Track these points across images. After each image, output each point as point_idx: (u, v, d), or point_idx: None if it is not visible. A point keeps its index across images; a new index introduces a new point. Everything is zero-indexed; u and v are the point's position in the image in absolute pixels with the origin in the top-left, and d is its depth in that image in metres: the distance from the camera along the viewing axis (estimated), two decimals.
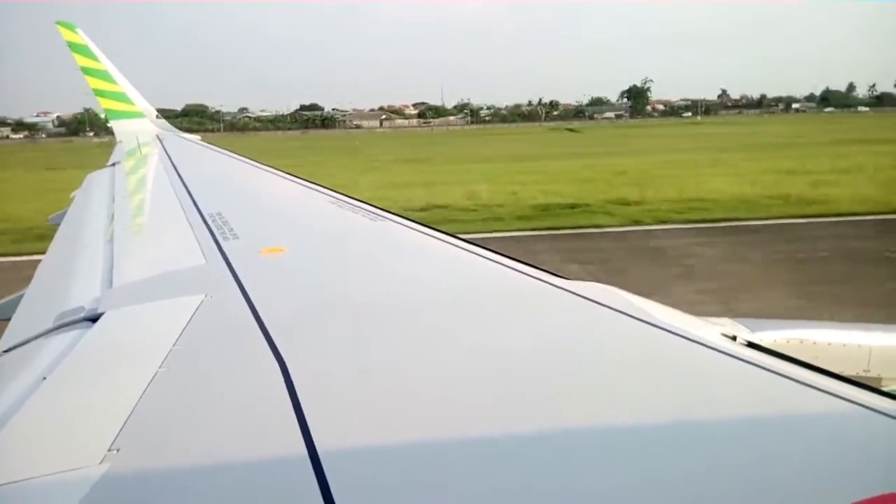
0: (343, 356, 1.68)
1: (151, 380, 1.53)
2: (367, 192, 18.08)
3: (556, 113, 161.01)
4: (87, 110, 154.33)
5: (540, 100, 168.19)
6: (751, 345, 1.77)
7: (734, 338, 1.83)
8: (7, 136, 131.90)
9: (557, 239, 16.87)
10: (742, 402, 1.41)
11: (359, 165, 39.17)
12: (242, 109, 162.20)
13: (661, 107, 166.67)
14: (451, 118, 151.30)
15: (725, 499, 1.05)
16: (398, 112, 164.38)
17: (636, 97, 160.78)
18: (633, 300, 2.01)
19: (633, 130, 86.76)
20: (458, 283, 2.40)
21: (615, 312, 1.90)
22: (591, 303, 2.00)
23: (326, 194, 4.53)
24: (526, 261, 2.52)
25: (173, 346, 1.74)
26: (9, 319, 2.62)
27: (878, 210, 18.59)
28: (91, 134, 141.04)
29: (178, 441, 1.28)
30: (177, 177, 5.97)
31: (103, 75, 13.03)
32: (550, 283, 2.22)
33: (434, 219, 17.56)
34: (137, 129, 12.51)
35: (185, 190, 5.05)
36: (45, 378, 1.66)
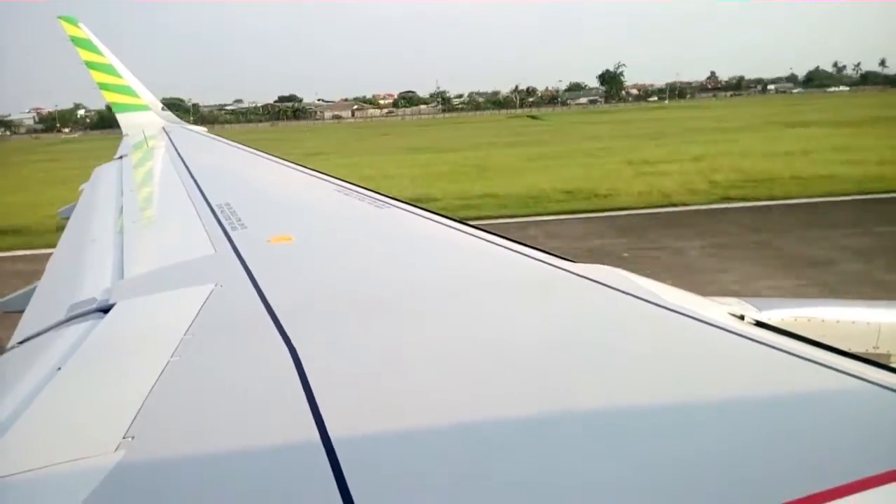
0: (353, 343, 1.69)
1: (164, 369, 1.55)
2: None
3: (531, 100, 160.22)
4: (77, 106, 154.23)
5: (517, 87, 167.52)
6: (759, 324, 1.78)
7: (742, 317, 1.84)
8: None
9: None
10: (752, 380, 1.41)
11: None
12: (227, 104, 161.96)
13: (634, 91, 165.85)
14: (423, 107, 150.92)
15: (737, 476, 1.05)
16: (371, 102, 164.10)
17: (609, 82, 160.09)
18: (639, 281, 2.01)
19: (592, 117, 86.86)
20: (465, 269, 2.41)
21: (622, 294, 1.91)
22: (598, 285, 2.01)
23: (333, 183, 4.54)
24: (532, 245, 2.52)
25: (184, 335, 1.76)
26: (23, 311, 2.65)
27: (658, 203, 18.36)
28: (67, 130, 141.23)
29: (192, 429, 1.30)
30: (184, 168, 6.01)
31: (107, 69, 13.05)
32: (557, 267, 2.23)
33: None
34: (143, 121, 12.58)
35: (192, 181, 5.07)
36: (59, 368, 1.68)
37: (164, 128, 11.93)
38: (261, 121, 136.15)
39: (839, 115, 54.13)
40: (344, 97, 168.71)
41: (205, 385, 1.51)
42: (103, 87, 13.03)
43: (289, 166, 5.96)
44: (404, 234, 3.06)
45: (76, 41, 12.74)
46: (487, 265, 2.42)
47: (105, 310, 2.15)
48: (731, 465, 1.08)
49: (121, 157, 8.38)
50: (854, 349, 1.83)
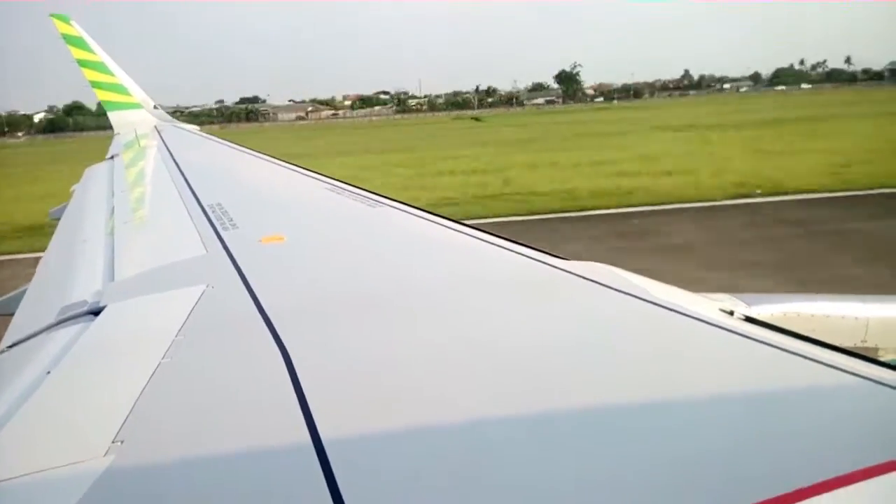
0: (345, 343, 1.68)
1: (155, 371, 1.53)
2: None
3: (490, 100, 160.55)
4: (50, 108, 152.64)
5: (477, 87, 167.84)
6: (749, 319, 1.80)
7: (731, 313, 1.85)
8: None
9: None
10: (741, 376, 1.41)
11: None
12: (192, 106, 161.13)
13: (591, 91, 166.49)
14: (377, 108, 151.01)
15: (727, 472, 1.06)
16: (327, 103, 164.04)
17: (565, 82, 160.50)
18: (629, 278, 2.02)
19: (528, 118, 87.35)
20: (457, 268, 2.41)
21: (612, 291, 1.91)
22: (588, 282, 2.02)
23: (326, 182, 4.53)
24: (524, 242, 2.53)
25: (175, 337, 1.75)
26: (12, 315, 2.63)
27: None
28: (20, 135, 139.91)
29: (182, 432, 1.29)
30: (175, 168, 5.97)
31: (100, 67, 13.03)
32: (550, 265, 2.23)
33: None
34: (135, 119, 12.56)
35: (184, 181, 5.05)
36: (49, 372, 1.67)
37: (155, 126, 11.86)
38: (213, 122, 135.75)
39: (758, 115, 55.30)
40: (313, 97, 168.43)
41: (196, 387, 1.50)
42: (95, 84, 13.02)
43: (281, 165, 5.96)
44: (397, 234, 3.06)
45: (68, 39, 12.73)
46: (480, 263, 2.43)
47: (96, 312, 2.14)
48: (721, 461, 1.09)
49: (112, 157, 8.32)
50: (843, 344, 1.83)
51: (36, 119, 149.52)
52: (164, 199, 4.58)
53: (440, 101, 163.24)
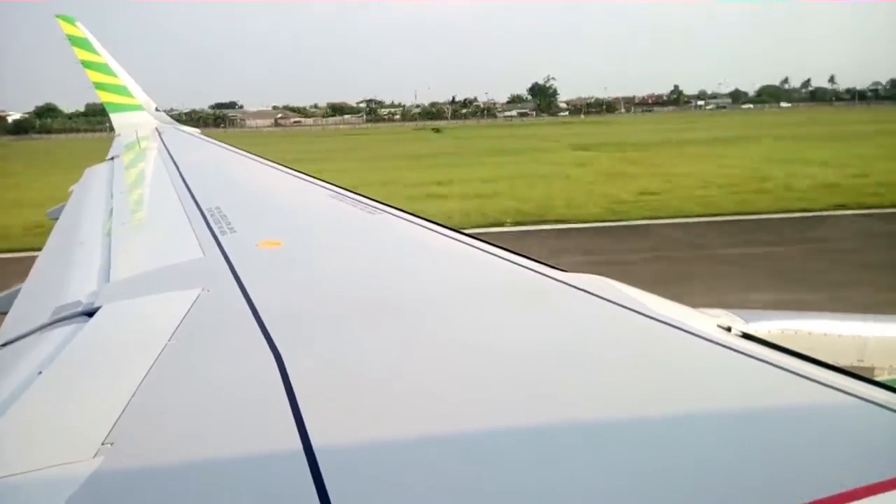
0: (339, 349, 1.68)
1: (147, 374, 1.53)
2: None
3: (465, 111, 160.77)
4: (37, 108, 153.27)
5: (453, 98, 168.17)
6: (746, 335, 1.78)
7: (729, 329, 1.84)
8: None
9: None
10: (737, 392, 1.41)
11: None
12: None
13: (563, 104, 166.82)
14: (347, 116, 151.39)
15: (720, 489, 1.05)
16: (299, 111, 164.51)
17: (538, 95, 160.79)
18: (627, 291, 2.01)
19: (489, 131, 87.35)
20: (454, 276, 2.41)
21: (610, 303, 1.90)
22: (585, 294, 2.01)
23: (325, 188, 4.53)
24: (522, 253, 2.53)
25: (170, 340, 1.74)
26: (6, 313, 2.62)
27: None
28: None
29: (173, 435, 1.28)
30: (175, 171, 5.97)
31: (103, 68, 13.14)
32: (546, 275, 2.23)
33: None
34: (136, 121, 12.63)
35: (183, 184, 5.06)
36: (41, 372, 1.66)
37: (156, 128, 11.92)
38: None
39: (686, 135, 56.35)
40: (286, 104, 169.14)
41: (188, 391, 1.50)
42: (98, 86, 13.11)
43: (281, 170, 5.97)
44: (394, 241, 3.06)
45: (73, 40, 12.79)
46: (476, 272, 2.43)
47: (90, 313, 2.14)
48: (715, 478, 1.08)
49: (112, 158, 8.36)
50: (840, 362, 1.85)
51: (10, 120, 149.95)
52: (162, 201, 4.56)
53: (417, 111, 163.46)
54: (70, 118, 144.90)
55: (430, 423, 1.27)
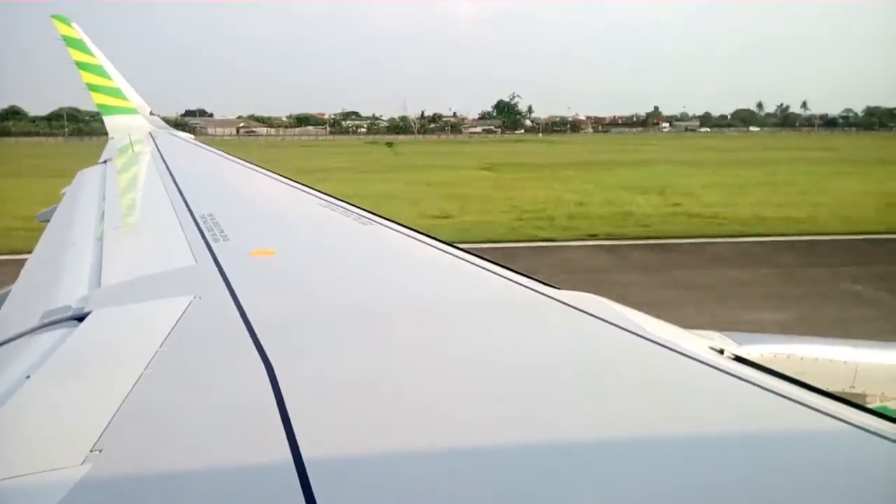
0: (331, 360, 1.66)
1: (137, 381, 1.51)
2: None
3: (432, 126, 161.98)
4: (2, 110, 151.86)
5: (422, 112, 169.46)
6: (738, 359, 1.78)
7: (721, 351, 1.84)
8: None
9: None
10: (727, 416, 1.40)
11: None
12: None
13: (528, 122, 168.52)
14: (310, 128, 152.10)
15: None
16: (264, 121, 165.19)
17: (503, 112, 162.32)
18: (621, 310, 2.00)
19: (437, 147, 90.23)
20: (447, 290, 2.40)
21: (602, 322, 1.90)
22: (578, 312, 2.00)
23: (319, 197, 4.50)
24: (515, 269, 2.51)
25: (160, 347, 1.72)
26: None
27: None
28: None
29: (162, 443, 1.26)
30: (168, 176, 5.91)
31: (98, 70, 13.04)
32: (539, 292, 2.22)
33: None
34: (130, 125, 12.44)
35: (176, 190, 4.99)
36: (28, 376, 1.63)
37: (150, 133, 11.79)
38: None
39: (603, 156, 58.64)
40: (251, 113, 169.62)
41: (178, 399, 1.48)
42: (92, 87, 13.02)
43: (276, 178, 5.92)
44: (388, 252, 3.05)
45: (68, 41, 12.74)
46: (471, 287, 2.41)
47: (80, 318, 2.10)
48: (704, 502, 1.08)
49: (105, 161, 8.25)
50: (831, 388, 1.82)
51: None
52: (155, 206, 4.53)
53: (385, 124, 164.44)
54: (33, 122, 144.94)
55: (421, 436, 1.27)
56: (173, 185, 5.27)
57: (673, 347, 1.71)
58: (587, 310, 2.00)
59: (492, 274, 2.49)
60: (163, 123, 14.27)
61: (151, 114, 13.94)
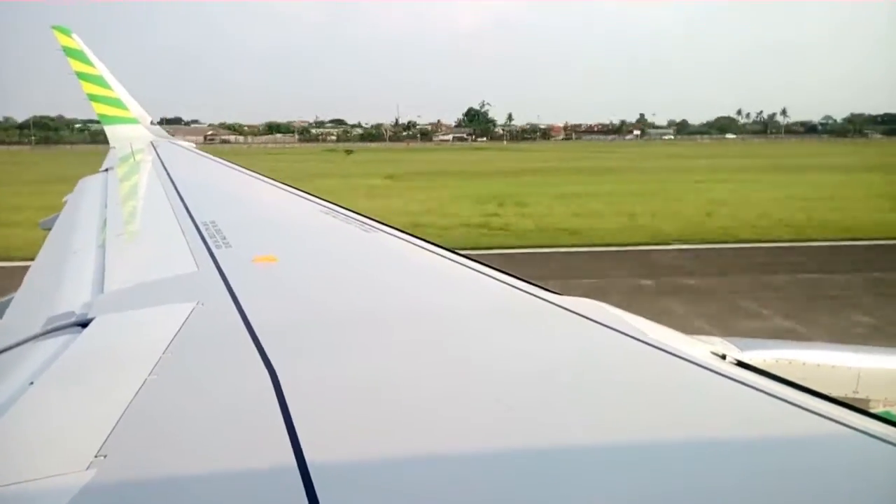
0: (333, 366, 1.67)
1: (141, 387, 1.51)
2: None
3: (406, 133, 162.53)
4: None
5: (396, 119, 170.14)
6: (740, 364, 1.79)
7: (724, 356, 1.85)
8: None
9: None
10: (730, 421, 1.40)
11: None
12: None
13: (499, 130, 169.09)
14: (278, 136, 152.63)
15: None
16: (234, 128, 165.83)
17: (473, 120, 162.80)
18: (622, 316, 2.01)
19: (384, 155, 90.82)
20: (448, 296, 2.40)
21: (604, 328, 1.90)
22: (580, 318, 2.00)
23: (320, 204, 4.54)
24: (517, 275, 2.54)
25: (163, 353, 1.73)
26: None
27: None
28: None
29: (166, 448, 1.27)
30: (170, 184, 5.95)
31: (98, 80, 13.11)
32: (541, 298, 2.23)
33: None
34: (131, 134, 12.51)
35: (178, 197, 5.01)
36: (32, 383, 1.64)
37: (151, 142, 11.86)
38: (95, 142, 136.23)
39: (548, 164, 59.83)
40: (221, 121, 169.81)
41: (182, 405, 1.48)
42: (92, 97, 13.08)
43: (277, 186, 5.94)
44: (390, 259, 3.06)
45: (68, 51, 12.81)
46: (472, 293, 2.42)
47: (83, 324, 2.11)
48: None
49: (106, 170, 8.27)
50: (834, 393, 1.82)
51: None
52: (157, 214, 4.55)
53: (359, 131, 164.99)
54: (6, 130, 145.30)
55: (424, 441, 1.27)
56: (175, 193, 5.28)
57: (676, 353, 1.71)
58: (589, 315, 2.01)
59: (493, 280, 2.51)
60: (164, 133, 14.42)
61: (152, 123, 14.11)
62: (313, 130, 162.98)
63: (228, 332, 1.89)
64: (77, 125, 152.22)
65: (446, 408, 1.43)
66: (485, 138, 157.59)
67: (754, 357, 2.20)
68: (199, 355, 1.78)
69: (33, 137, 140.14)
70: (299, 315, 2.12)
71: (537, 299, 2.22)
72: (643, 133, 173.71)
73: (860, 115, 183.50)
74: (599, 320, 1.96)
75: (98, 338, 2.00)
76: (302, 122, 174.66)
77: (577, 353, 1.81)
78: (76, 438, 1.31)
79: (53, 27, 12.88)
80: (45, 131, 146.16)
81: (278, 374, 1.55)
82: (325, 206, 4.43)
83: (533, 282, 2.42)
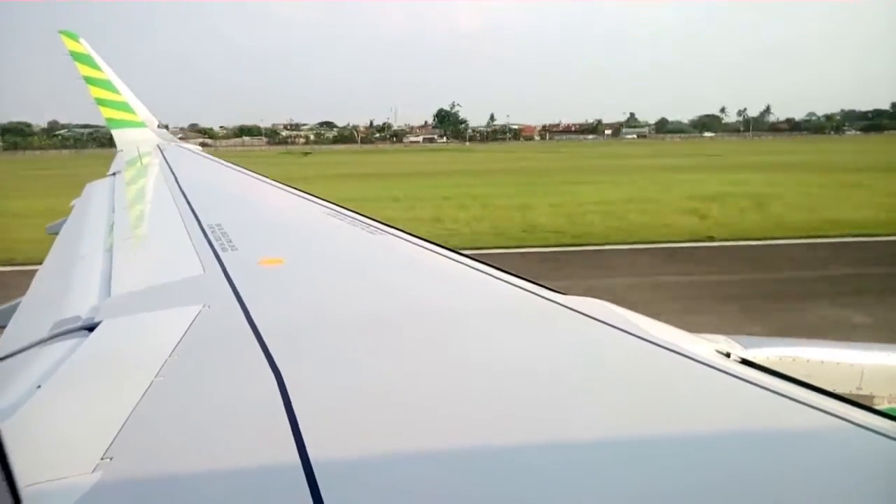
0: (339, 368, 1.68)
1: (147, 389, 1.53)
2: None
3: (377, 135, 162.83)
4: None
5: (371, 122, 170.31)
6: (744, 361, 1.79)
7: (728, 354, 1.85)
8: None
9: None
10: (735, 418, 1.40)
11: None
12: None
13: (470, 132, 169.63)
14: (246, 139, 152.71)
15: None
16: (205, 132, 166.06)
17: (443, 121, 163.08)
18: (626, 315, 2.02)
19: (340, 157, 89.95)
20: (454, 297, 2.41)
21: (608, 327, 1.91)
22: (584, 317, 2.01)
23: (326, 206, 4.54)
24: (521, 275, 2.54)
25: (170, 356, 1.74)
26: (4, 327, 2.60)
27: None
28: None
29: (172, 451, 1.28)
30: (177, 187, 5.96)
31: (105, 85, 13.18)
32: (545, 298, 2.24)
33: None
34: (138, 138, 12.60)
35: (185, 200, 5.03)
36: (39, 386, 1.65)
37: (158, 145, 11.91)
38: (42, 147, 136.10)
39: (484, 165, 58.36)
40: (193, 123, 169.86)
41: (188, 408, 1.48)
42: (100, 102, 13.16)
43: (283, 188, 5.96)
44: (396, 261, 3.06)
45: (76, 56, 12.85)
46: (477, 294, 2.43)
47: (90, 328, 2.12)
48: (712, 503, 1.09)
49: (114, 174, 8.32)
50: (838, 390, 1.83)
51: None
52: (164, 217, 4.57)
53: (331, 134, 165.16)
54: None
55: (429, 442, 1.28)
56: (182, 196, 5.30)
57: (680, 351, 1.72)
58: (593, 315, 2.02)
59: (499, 280, 2.52)
60: (171, 136, 14.50)
61: (159, 126, 14.21)
62: (283, 133, 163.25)
63: (234, 335, 1.90)
64: (62, 131, 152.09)
65: (452, 409, 1.43)
66: (444, 139, 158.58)
67: (758, 355, 2.22)
68: (205, 358, 1.78)
69: (0, 144, 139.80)
70: (305, 317, 2.13)
71: (542, 299, 2.24)
72: (617, 133, 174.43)
73: (852, 112, 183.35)
74: (604, 319, 1.97)
75: (105, 341, 2.01)
76: (278, 124, 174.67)
77: (583, 352, 1.82)
78: (83, 441, 1.32)
79: (61, 32, 12.94)
80: (17, 137, 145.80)
81: (284, 377, 1.55)
82: (330, 209, 4.45)
83: (538, 282, 2.44)
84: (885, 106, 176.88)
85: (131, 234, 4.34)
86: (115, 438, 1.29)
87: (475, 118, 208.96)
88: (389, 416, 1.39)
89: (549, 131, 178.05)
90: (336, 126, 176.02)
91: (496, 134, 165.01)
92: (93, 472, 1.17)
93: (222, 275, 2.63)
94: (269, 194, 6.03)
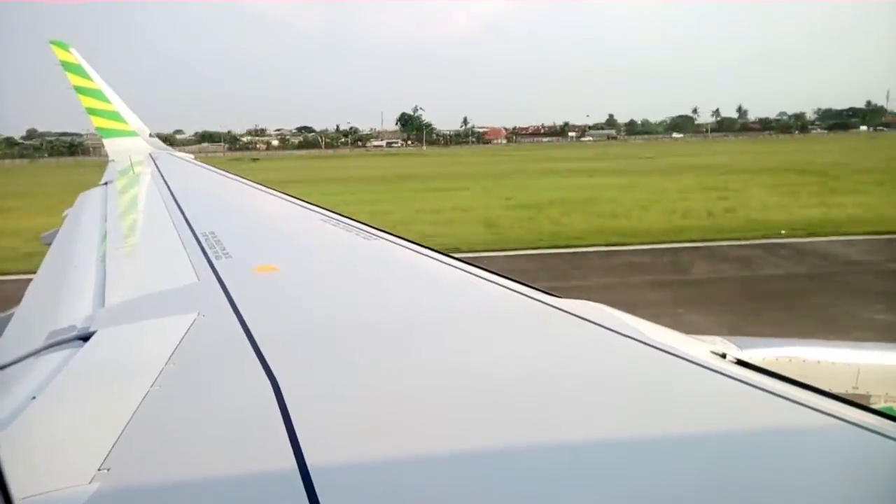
0: (334, 374, 1.67)
1: (143, 399, 1.51)
2: None
3: (343, 140, 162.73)
4: None
5: (337, 126, 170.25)
6: (740, 362, 1.79)
7: (724, 355, 1.84)
8: None
9: None
10: (731, 419, 1.40)
11: None
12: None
13: (434, 136, 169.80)
14: (205, 145, 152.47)
15: None
16: (168, 138, 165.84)
17: (406, 125, 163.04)
18: (623, 318, 2.01)
19: (312, 162, 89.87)
20: (449, 301, 2.41)
21: (606, 330, 1.91)
22: (581, 320, 2.01)
23: (320, 213, 4.52)
24: (516, 279, 2.52)
25: (165, 364, 1.73)
26: None
27: None
28: None
29: (169, 461, 1.26)
30: (170, 196, 5.95)
31: (96, 94, 13.09)
32: (542, 302, 2.23)
33: None
34: (130, 147, 12.52)
35: (177, 209, 5.02)
36: (34, 397, 1.63)
37: (150, 154, 11.95)
38: (13, 157, 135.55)
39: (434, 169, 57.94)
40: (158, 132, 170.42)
41: (185, 416, 1.48)
42: (91, 111, 13.10)
43: (276, 195, 5.95)
44: (391, 266, 3.05)
45: (66, 66, 12.77)
46: (473, 298, 2.43)
47: (85, 338, 2.11)
48: (709, 502, 1.08)
49: (106, 184, 8.31)
50: (834, 389, 1.83)
51: None
52: (157, 226, 4.56)
53: (299, 139, 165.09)
54: None
55: (425, 446, 1.28)
56: (174, 205, 5.31)
57: (676, 353, 1.73)
58: (589, 318, 2.03)
59: (495, 285, 2.52)
60: (162, 144, 14.48)
61: (151, 135, 14.11)
62: (244, 139, 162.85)
63: (230, 343, 1.89)
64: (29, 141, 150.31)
65: (449, 414, 1.44)
66: (399, 143, 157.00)
67: (754, 355, 2.21)
68: (201, 367, 1.78)
69: None
70: (300, 324, 2.13)
71: (538, 303, 2.24)
72: (582, 135, 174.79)
73: (829, 111, 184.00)
74: (601, 322, 1.98)
75: (100, 351, 2.01)
76: (243, 130, 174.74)
77: (580, 355, 1.83)
78: (79, 452, 1.30)
79: (51, 41, 12.85)
80: None
81: (280, 383, 1.55)
82: (325, 215, 4.44)
83: (533, 285, 2.44)
84: (861, 104, 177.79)
85: (125, 243, 4.32)
86: (111, 449, 1.28)
87: (451, 122, 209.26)
88: (386, 421, 1.39)
89: (516, 134, 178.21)
90: (314, 131, 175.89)
91: (459, 138, 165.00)
92: (90, 483, 1.17)
93: (217, 283, 2.63)
94: (262, 201, 6.04)
